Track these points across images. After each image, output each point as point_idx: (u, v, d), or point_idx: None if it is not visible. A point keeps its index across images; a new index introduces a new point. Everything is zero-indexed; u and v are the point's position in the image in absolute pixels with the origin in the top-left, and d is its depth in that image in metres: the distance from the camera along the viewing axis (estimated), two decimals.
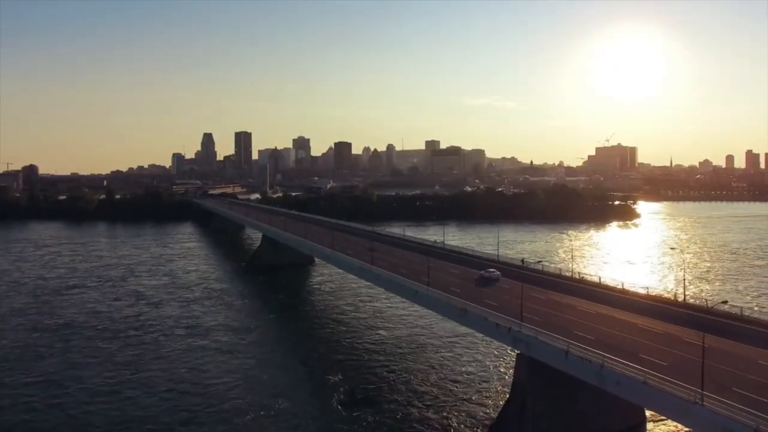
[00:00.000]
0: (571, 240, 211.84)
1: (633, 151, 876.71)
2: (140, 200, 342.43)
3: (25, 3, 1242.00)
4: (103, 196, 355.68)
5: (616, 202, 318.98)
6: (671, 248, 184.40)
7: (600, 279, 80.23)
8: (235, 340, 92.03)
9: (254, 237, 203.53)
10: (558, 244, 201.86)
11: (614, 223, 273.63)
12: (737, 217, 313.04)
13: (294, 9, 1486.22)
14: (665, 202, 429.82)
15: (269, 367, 79.03)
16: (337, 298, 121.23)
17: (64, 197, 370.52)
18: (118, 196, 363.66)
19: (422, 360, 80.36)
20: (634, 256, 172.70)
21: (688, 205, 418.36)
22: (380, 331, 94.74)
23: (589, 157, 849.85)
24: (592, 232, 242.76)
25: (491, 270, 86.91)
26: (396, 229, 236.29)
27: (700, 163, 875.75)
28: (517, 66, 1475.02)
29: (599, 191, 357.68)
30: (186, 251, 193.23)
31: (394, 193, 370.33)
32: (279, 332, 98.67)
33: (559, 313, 63.66)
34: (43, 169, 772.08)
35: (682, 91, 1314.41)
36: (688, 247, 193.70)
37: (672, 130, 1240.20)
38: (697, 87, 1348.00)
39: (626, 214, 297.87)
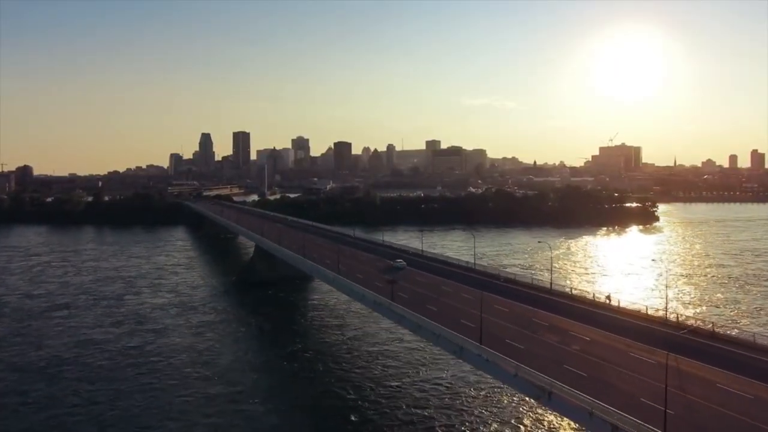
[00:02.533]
0: (604, 248, 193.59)
1: (637, 150, 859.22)
2: (130, 203, 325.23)
3: (25, 3, 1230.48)
4: (90, 199, 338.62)
5: (633, 204, 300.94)
6: None
7: (713, 327, 57.60)
8: (259, 384, 75.01)
9: (250, 243, 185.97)
10: (594, 254, 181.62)
11: (634, 228, 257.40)
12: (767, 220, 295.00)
13: (294, 9, 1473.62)
14: (675, 204, 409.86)
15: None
16: (371, 321, 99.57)
17: (50, 199, 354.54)
18: (107, 198, 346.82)
19: (496, 419, 63.09)
20: (694, 269, 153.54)
21: (701, 207, 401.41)
22: (438, 372, 76.34)
23: (592, 157, 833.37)
24: (620, 238, 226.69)
25: (399, 260, 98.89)
26: (402, 236, 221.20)
27: (702, 162, 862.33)
28: (517, 66, 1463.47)
29: (615, 193, 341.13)
30: (175, 262, 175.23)
31: (396, 195, 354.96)
32: (303, 373, 78.92)
33: (699, 398, 41.99)
34: (42, 170, 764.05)
35: (682, 91, 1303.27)
36: (754, 257, 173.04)
37: (672, 130, 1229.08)
38: (698, 87, 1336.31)
39: (644, 217, 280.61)
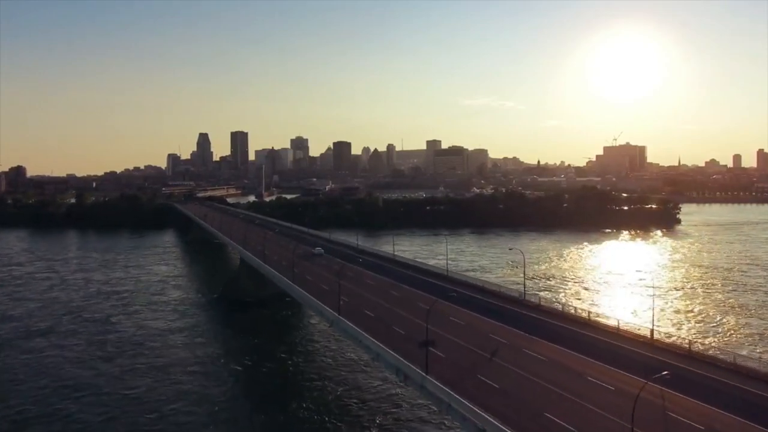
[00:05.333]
0: (649, 257, 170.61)
1: (642, 150, 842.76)
2: (116, 205, 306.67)
3: (24, 3, 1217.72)
4: (72, 201, 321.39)
5: (653, 206, 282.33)
6: None
7: None
8: None
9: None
10: (646, 265, 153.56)
11: (657, 232, 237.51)
12: None
13: (293, 9, 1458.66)
14: (688, 205, 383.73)
15: None
16: None
17: (32, 201, 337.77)
18: (93, 199, 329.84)
19: None
20: None
21: (715, 208, 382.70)
22: None
23: (596, 156, 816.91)
24: (654, 244, 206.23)
25: (318, 248, 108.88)
26: (417, 241, 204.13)
27: (706, 162, 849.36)
28: (517, 66, 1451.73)
29: (624, 193, 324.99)
30: (164, 273, 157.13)
31: (399, 196, 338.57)
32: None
33: None
34: (40, 171, 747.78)
35: (682, 91, 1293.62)
36: None
37: (674, 129, 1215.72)
38: (697, 86, 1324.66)
39: (665, 220, 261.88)
